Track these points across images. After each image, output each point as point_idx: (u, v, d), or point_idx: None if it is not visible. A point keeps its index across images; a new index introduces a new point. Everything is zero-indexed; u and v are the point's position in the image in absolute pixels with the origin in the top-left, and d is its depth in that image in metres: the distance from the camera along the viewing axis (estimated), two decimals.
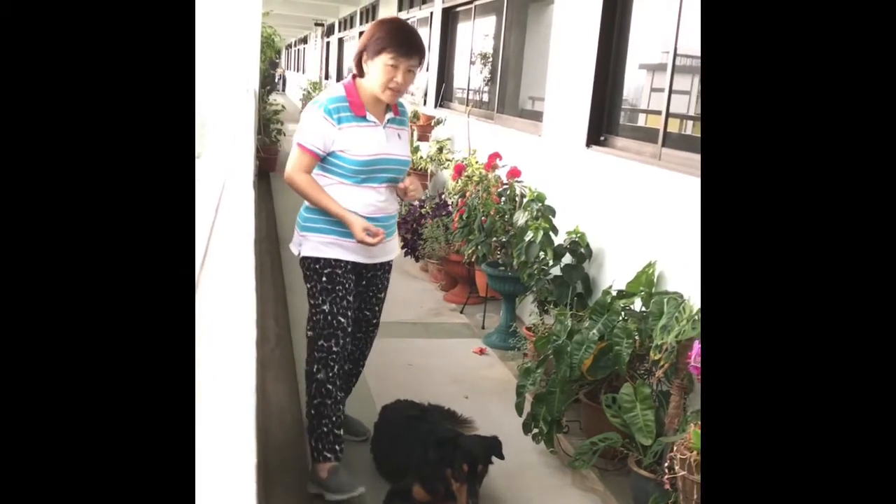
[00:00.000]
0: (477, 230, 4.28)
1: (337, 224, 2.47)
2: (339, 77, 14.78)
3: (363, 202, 2.48)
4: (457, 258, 4.69)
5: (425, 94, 7.39)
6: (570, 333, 2.77)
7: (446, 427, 2.57)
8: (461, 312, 4.68)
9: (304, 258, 2.54)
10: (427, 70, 7.42)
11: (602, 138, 3.83)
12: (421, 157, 5.90)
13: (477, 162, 4.91)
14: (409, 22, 2.58)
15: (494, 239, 4.11)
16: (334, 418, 2.53)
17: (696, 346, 2.23)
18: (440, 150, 5.79)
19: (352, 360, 2.78)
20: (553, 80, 4.36)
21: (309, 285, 2.54)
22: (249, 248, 1.88)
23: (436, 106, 7.00)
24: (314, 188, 2.45)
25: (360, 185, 2.48)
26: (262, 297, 4.68)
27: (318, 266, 2.50)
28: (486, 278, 4.25)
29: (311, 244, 2.51)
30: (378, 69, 2.40)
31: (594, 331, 2.73)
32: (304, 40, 26.31)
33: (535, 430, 2.81)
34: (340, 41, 15.59)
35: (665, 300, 2.58)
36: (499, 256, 4.17)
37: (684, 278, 2.86)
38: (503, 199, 4.30)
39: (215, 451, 0.86)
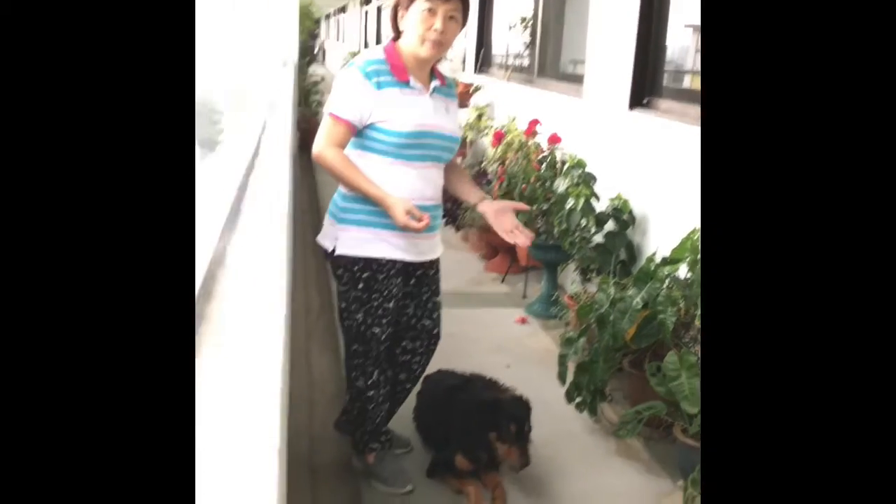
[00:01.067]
0: (517, 198, 4.23)
1: (382, 214, 2.13)
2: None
3: (400, 185, 2.15)
4: None
5: (464, 61, 7.29)
6: (613, 302, 2.73)
7: (486, 393, 2.56)
8: (502, 282, 4.66)
9: (340, 257, 2.23)
10: (465, 36, 7.32)
11: (645, 101, 3.73)
12: (459, 126, 5.84)
13: (517, 128, 4.84)
14: None
15: (535, 207, 4.05)
16: (377, 419, 2.43)
17: None
18: (479, 117, 5.72)
19: (406, 370, 2.53)
20: (594, 41, 4.26)
21: (342, 288, 2.27)
22: (285, 219, 1.88)
23: (475, 72, 6.91)
24: (346, 165, 2.11)
25: (399, 162, 2.15)
26: (305, 268, 4.71)
27: (355, 268, 2.21)
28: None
29: (349, 240, 2.21)
30: (415, 19, 2.09)
31: (638, 299, 2.68)
32: (343, 9, 26.17)
33: (579, 400, 2.78)
34: (379, 9, 15.48)
35: None
36: (539, 225, 4.12)
37: None
38: (543, 166, 4.24)
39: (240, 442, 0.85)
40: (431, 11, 2.08)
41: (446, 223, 5.29)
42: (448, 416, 2.56)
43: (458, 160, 2.38)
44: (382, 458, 2.47)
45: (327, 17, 31.97)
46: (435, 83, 2.23)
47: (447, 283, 4.53)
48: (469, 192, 2.42)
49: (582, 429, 2.90)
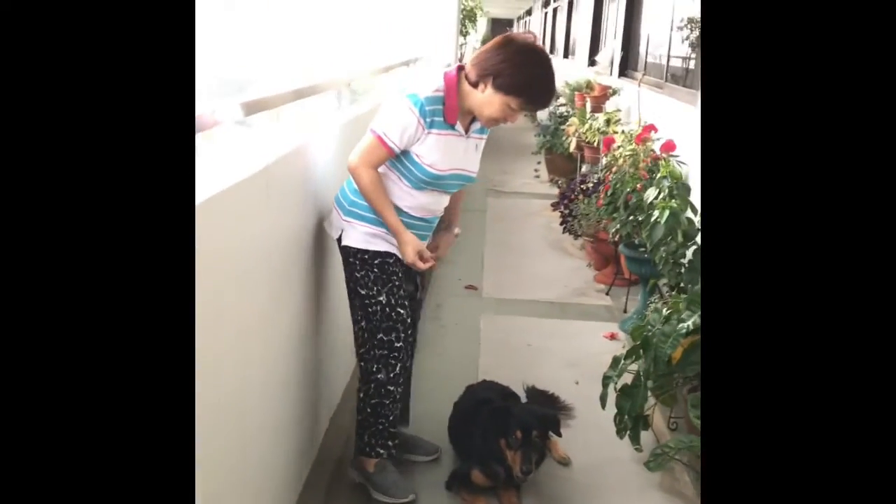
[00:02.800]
0: (622, 208, 4.04)
1: None
2: (553, 48, 14.57)
3: (414, 203, 2.28)
4: (605, 236, 4.47)
5: (611, 63, 7.06)
6: (664, 323, 2.54)
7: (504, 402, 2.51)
8: (607, 294, 4.47)
9: (348, 247, 2.30)
10: (615, 37, 7.08)
11: None
12: (590, 130, 5.67)
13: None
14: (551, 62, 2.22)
15: (632, 217, 3.85)
16: (391, 417, 2.40)
17: None
18: (608, 122, 5.51)
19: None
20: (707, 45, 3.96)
21: (358, 274, 2.30)
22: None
23: (620, 76, 6.67)
24: (379, 192, 2.20)
25: (415, 189, 2.26)
26: None
27: (366, 256, 2.29)
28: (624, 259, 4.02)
29: (356, 234, 2.28)
30: (496, 104, 2.15)
31: (689, 323, 2.47)
32: (529, 12, 26.27)
33: (621, 426, 2.62)
34: (554, 11, 15.36)
35: None
36: (638, 237, 3.91)
37: None
38: (654, 175, 4.01)
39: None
40: (515, 111, 2.18)
41: (563, 231, 5.17)
42: (471, 428, 2.51)
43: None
44: (383, 467, 2.43)
45: (519, 19, 32.35)
46: (476, 124, 2.31)
47: (549, 291, 4.48)
48: (452, 217, 2.52)
49: (630, 457, 2.73)
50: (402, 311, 2.32)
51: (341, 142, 2.71)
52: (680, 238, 3.31)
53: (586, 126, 5.78)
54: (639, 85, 5.38)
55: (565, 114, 7.50)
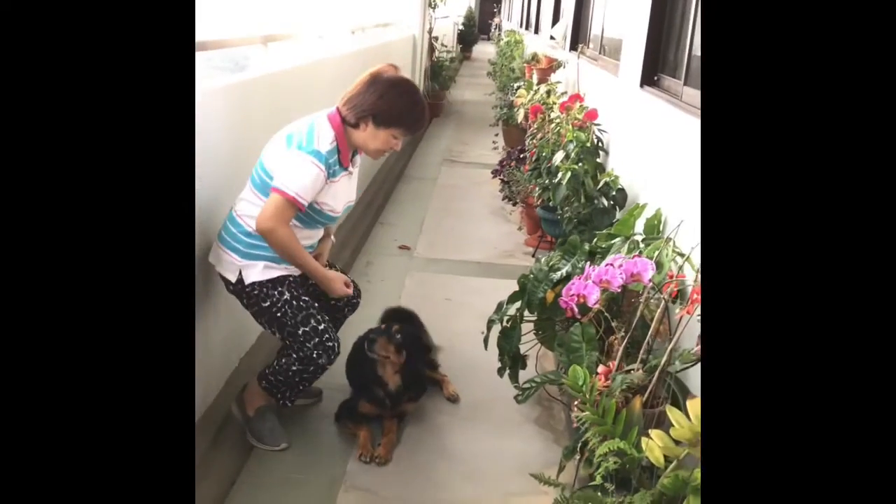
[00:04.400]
0: (544, 173, 4.25)
1: None
2: (528, 24, 14.65)
3: (308, 238, 2.45)
4: (533, 201, 4.68)
5: (565, 38, 7.23)
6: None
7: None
8: (533, 256, 4.69)
9: (253, 283, 2.35)
10: (569, 13, 7.25)
11: (656, 78, 3.63)
12: (532, 100, 5.85)
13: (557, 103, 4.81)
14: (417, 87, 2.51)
15: (548, 181, 4.06)
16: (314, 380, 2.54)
17: (574, 280, 2.17)
18: (548, 93, 5.69)
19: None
20: (632, 14, 4.16)
21: (257, 291, 2.36)
22: None
23: (570, 49, 6.84)
24: (296, 245, 2.32)
25: (307, 228, 2.43)
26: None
27: (268, 282, 2.36)
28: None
29: (257, 270, 2.35)
30: (381, 138, 2.38)
31: (563, 271, 2.70)
32: None
33: (500, 366, 2.84)
34: None
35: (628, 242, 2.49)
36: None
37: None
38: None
39: None
40: (396, 139, 2.43)
41: (503, 199, 5.37)
42: (363, 360, 2.72)
43: None
44: (263, 413, 2.54)
45: None
46: (358, 158, 2.54)
47: (479, 253, 4.70)
48: (323, 251, 2.65)
49: (514, 395, 2.95)
50: (307, 298, 2.39)
51: (231, 108, 2.66)
52: (582, 199, 3.53)
53: (529, 97, 5.95)
54: (578, 57, 5.57)
55: (521, 86, 7.68)
